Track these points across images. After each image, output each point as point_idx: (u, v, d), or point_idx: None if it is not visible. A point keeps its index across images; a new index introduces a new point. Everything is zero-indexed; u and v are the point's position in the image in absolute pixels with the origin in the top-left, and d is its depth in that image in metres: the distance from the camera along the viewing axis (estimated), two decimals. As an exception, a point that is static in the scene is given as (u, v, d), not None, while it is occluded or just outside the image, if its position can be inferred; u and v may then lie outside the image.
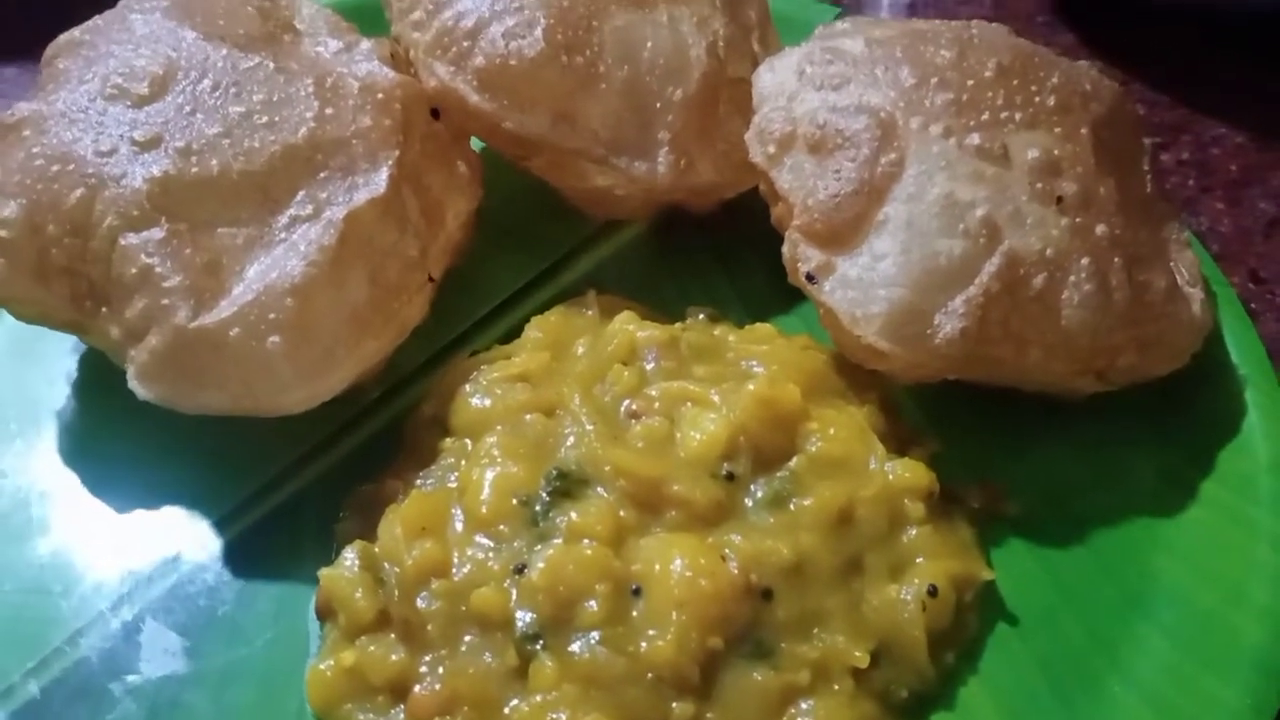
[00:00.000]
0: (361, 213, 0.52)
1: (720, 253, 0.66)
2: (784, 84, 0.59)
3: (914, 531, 0.50)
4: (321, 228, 0.51)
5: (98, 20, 0.59)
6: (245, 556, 0.52)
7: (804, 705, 0.45)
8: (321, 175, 0.53)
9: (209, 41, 0.56)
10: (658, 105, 0.60)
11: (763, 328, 0.59)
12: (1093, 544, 0.53)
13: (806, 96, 0.57)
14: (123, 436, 0.54)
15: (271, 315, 0.49)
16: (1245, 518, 0.51)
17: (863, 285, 0.52)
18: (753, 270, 0.65)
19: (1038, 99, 0.57)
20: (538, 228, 0.66)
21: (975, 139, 0.54)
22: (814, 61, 0.59)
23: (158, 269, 0.49)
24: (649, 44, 0.60)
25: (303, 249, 0.50)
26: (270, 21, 0.61)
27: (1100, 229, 0.53)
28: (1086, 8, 0.89)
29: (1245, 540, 0.51)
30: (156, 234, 0.49)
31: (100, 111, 0.52)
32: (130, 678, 0.47)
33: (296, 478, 0.55)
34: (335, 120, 0.54)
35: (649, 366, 0.55)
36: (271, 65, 0.55)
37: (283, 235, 0.51)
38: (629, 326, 0.57)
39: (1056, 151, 0.55)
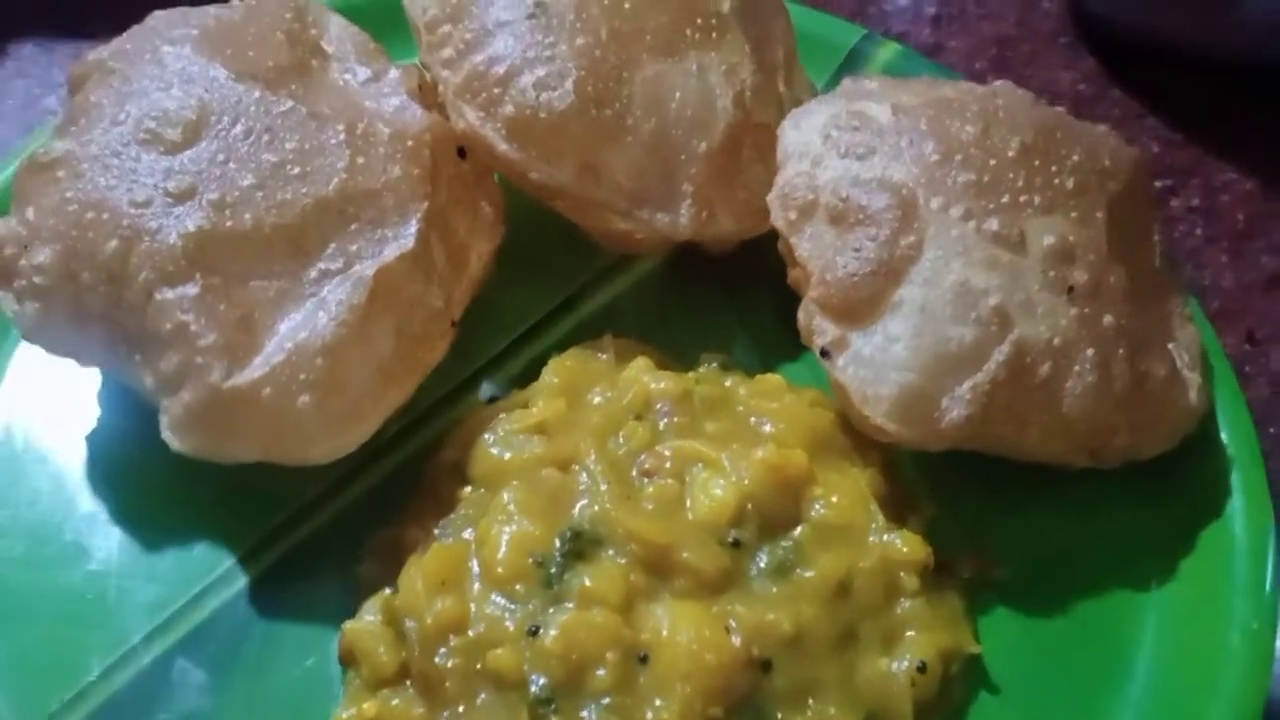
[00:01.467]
0: (391, 268, 0.54)
1: (732, 290, 0.67)
2: (809, 145, 0.60)
3: (907, 603, 0.53)
4: (351, 286, 0.52)
5: (125, 44, 0.59)
6: (269, 594, 0.54)
7: (796, 773, 0.49)
8: (352, 228, 0.54)
9: (240, 82, 0.56)
10: (682, 157, 0.61)
11: (773, 380, 0.61)
12: (1076, 613, 0.56)
13: (831, 163, 0.58)
14: (151, 467, 0.56)
15: (302, 375, 0.50)
16: (1221, 601, 0.54)
17: (875, 365, 0.54)
18: (763, 309, 0.66)
19: (1056, 180, 0.58)
20: (553, 258, 0.67)
21: (993, 224, 0.55)
22: (840, 126, 0.59)
23: (193, 327, 0.50)
24: (677, 95, 0.61)
25: (333, 307, 0.52)
26: (299, 47, 0.61)
27: (1107, 319, 0.55)
28: (1107, 37, 0.89)
29: (1218, 625, 0.53)
30: (191, 290, 0.50)
31: (134, 158, 0.53)
32: (161, 715, 0.50)
33: (317, 514, 0.57)
34: (366, 171, 0.55)
35: (662, 422, 0.57)
36: (304, 110, 0.56)
37: (313, 289, 0.53)
38: (644, 378, 0.59)
39: (1071, 238, 0.56)
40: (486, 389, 0.62)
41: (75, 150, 0.53)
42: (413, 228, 0.55)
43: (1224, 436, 0.59)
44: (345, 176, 0.54)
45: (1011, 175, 0.57)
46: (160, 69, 0.56)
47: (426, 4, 0.62)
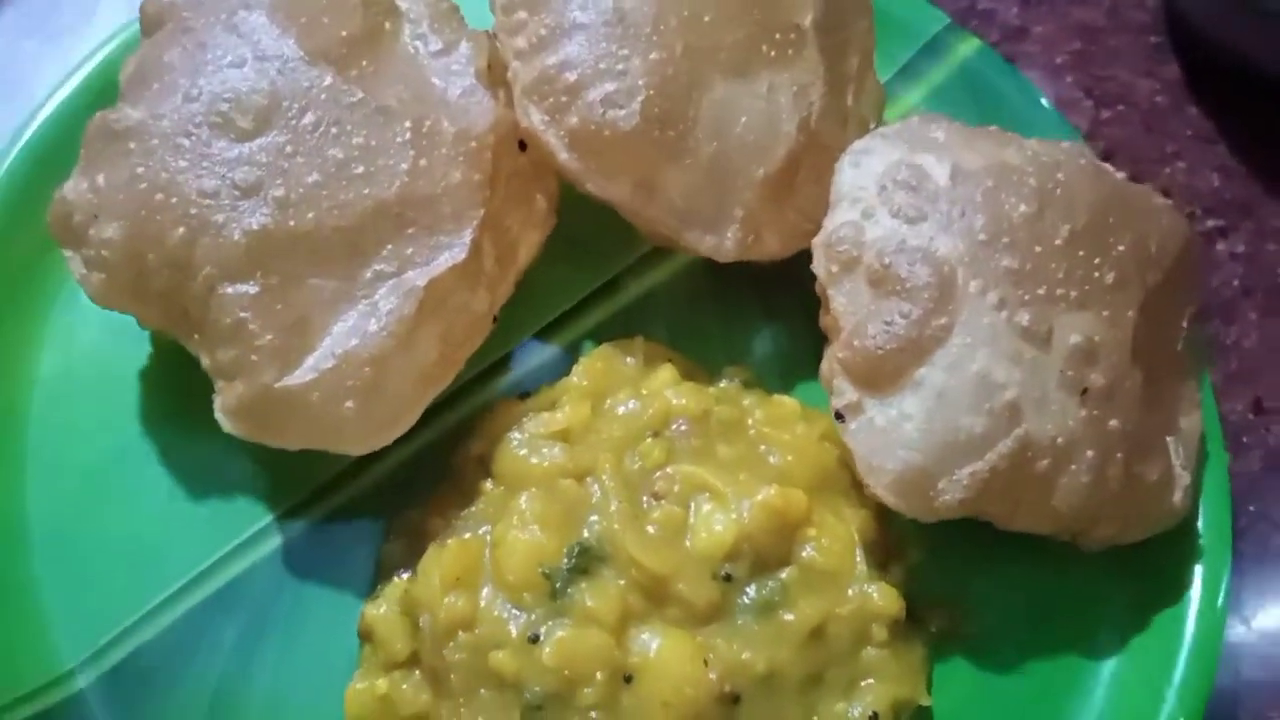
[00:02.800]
0: (441, 279, 0.55)
1: (765, 294, 0.69)
2: (863, 192, 0.60)
3: (873, 652, 0.58)
4: (402, 296, 0.54)
5: (200, -11, 0.59)
6: (300, 558, 0.59)
7: (749, 796, 0.55)
8: (409, 231, 0.56)
9: (313, 65, 0.56)
10: (739, 181, 0.61)
11: (788, 405, 0.64)
12: (1030, 674, 0.61)
13: (881, 220, 0.59)
14: (199, 424, 0.59)
15: (349, 383, 0.53)
16: (1158, 691, 0.59)
17: (884, 438, 0.56)
18: (794, 317, 0.67)
19: (1097, 274, 0.58)
20: (596, 241, 0.68)
21: (1025, 317, 0.56)
22: (897, 180, 0.59)
23: (250, 325, 0.52)
24: (743, 120, 0.61)
25: (384, 316, 0.54)
26: (373, 8, 0.60)
27: (1114, 423, 0.57)
28: (1192, 43, 0.85)
29: (1152, 715, 0.59)
30: (251, 289, 0.53)
31: (204, 142, 0.54)
32: (192, 666, 0.56)
33: (350, 485, 0.61)
34: (427, 174, 0.56)
35: (678, 441, 0.60)
36: (373, 104, 0.56)
37: (365, 291, 0.55)
38: (666, 393, 0.62)
39: (1097, 338, 0.57)
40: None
41: (148, 123, 0.54)
42: (467, 238, 0.56)
43: (1200, 525, 0.63)
44: (407, 180, 0.55)
45: (1054, 265, 0.58)
46: (234, 37, 0.56)
47: (506, -21, 0.61)
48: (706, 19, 0.60)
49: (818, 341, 0.61)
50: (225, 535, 0.59)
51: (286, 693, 0.56)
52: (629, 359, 0.64)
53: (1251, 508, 0.70)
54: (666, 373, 0.63)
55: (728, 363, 0.67)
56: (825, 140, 0.64)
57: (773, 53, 0.61)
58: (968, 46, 0.76)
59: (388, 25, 0.61)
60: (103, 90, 0.64)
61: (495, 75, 0.62)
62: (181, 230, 0.53)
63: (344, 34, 0.58)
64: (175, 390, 0.61)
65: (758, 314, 0.69)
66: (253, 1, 0.57)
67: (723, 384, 0.65)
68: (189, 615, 0.57)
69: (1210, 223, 0.79)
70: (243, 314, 0.52)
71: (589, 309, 0.68)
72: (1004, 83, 0.75)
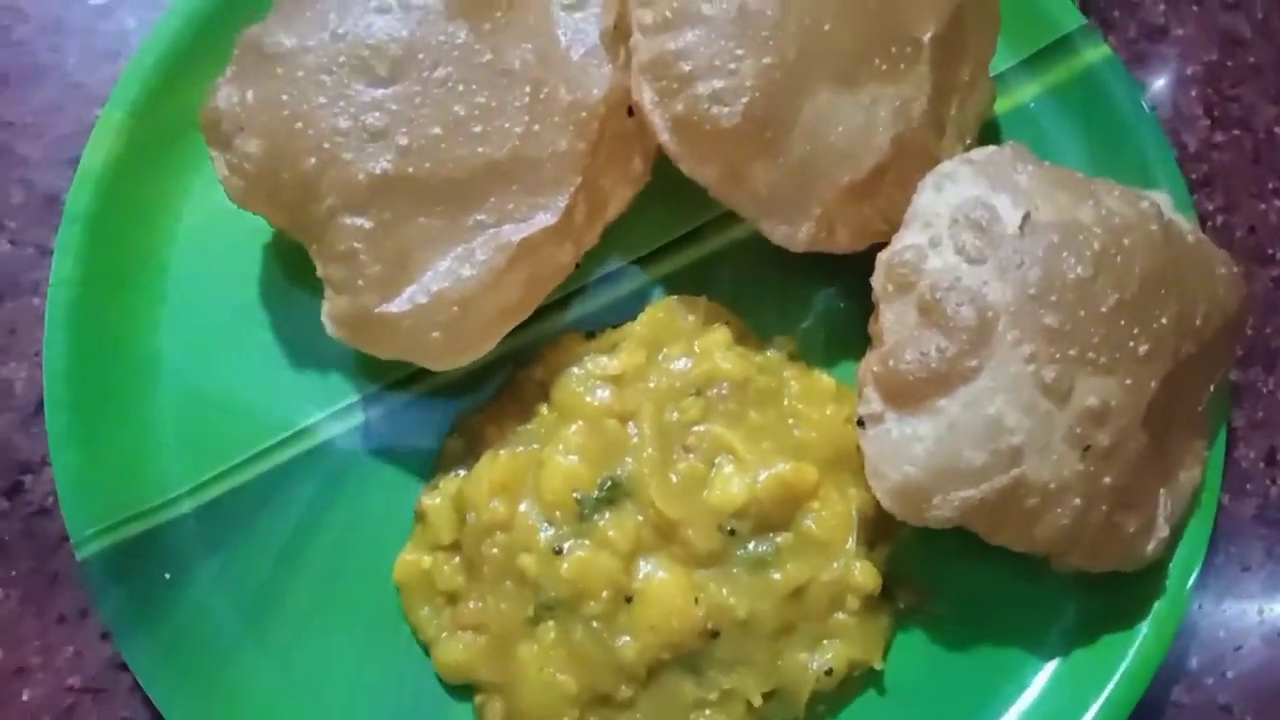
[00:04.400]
0: (534, 238, 0.62)
1: (831, 273, 0.73)
2: (937, 218, 0.64)
3: (843, 618, 0.67)
4: (496, 249, 0.61)
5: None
6: (375, 437, 0.69)
7: (707, 713, 0.66)
8: (513, 188, 0.62)
9: (451, 19, 0.60)
10: (823, 183, 0.65)
11: (825, 384, 0.70)
12: (977, 657, 0.69)
13: (944, 251, 0.63)
14: (310, 298, 0.68)
15: (438, 317, 0.61)
16: (1078, 709, 0.67)
17: (894, 449, 0.63)
18: (853, 299, 0.72)
19: (1131, 344, 0.62)
20: (682, 193, 0.70)
21: (1050, 374, 0.61)
22: (970, 217, 0.63)
23: (361, 255, 0.60)
24: (839, 128, 0.64)
25: (478, 262, 0.61)
26: (522, -61, 0.63)
27: (1107, 480, 0.63)
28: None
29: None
30: (366, 223, 0.60)
31: (343, 82, 0.59)
32: (273, 513, 0.67)
33: (426, 379, 0.70)
34: (537, 139, 0.61)
35: (718, 399, 0.68)
36: (500, 66, 0.60)
37: (466, 237, 0.61)
38: (716, 355, 0.68)
39: (1113, 403, 0.62)
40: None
41: (296, 53, 0.60)
42: (562, 203, 0.62)
43: (1170, 567, 0.69)
44: (518, 144, 0.61)
45: (1092, 330, 0.62)
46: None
47: (646, -51, 0.63)
48: (826, 27, 0.62)
49: (868, 330, 0.67)
50: (318, 404, 0.69)
51: (346, 550, 0.67)
52: (690, 316, 0.71)
53: (1231, 548, 0.76)
54: (720, 334, 0.70)
55: (781, 330, 0.73)
56: (918, 147, 0.66)
57: (884, 66, 0.64)
58: (1096, 53, 0.76)
59: (532, -32, 0.64)
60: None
61: (621, 33, 0.65)
62: (313, 160, 0.59)
63: (488, -24, 0.62)
64: (294, 269, 0.69)
65: (820, 288, 0.74)
66: (406, -67, 0.61)
67: (769, 353, 0.71)
68: (278, 468, 0.68)
69: (1278, 271, 0.80)
70: (356, 244, 0.60)
71: (666, 256, 0.74)
72: (1121, 98, 0.76)
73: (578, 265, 0.67)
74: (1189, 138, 0.82)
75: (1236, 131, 0.82)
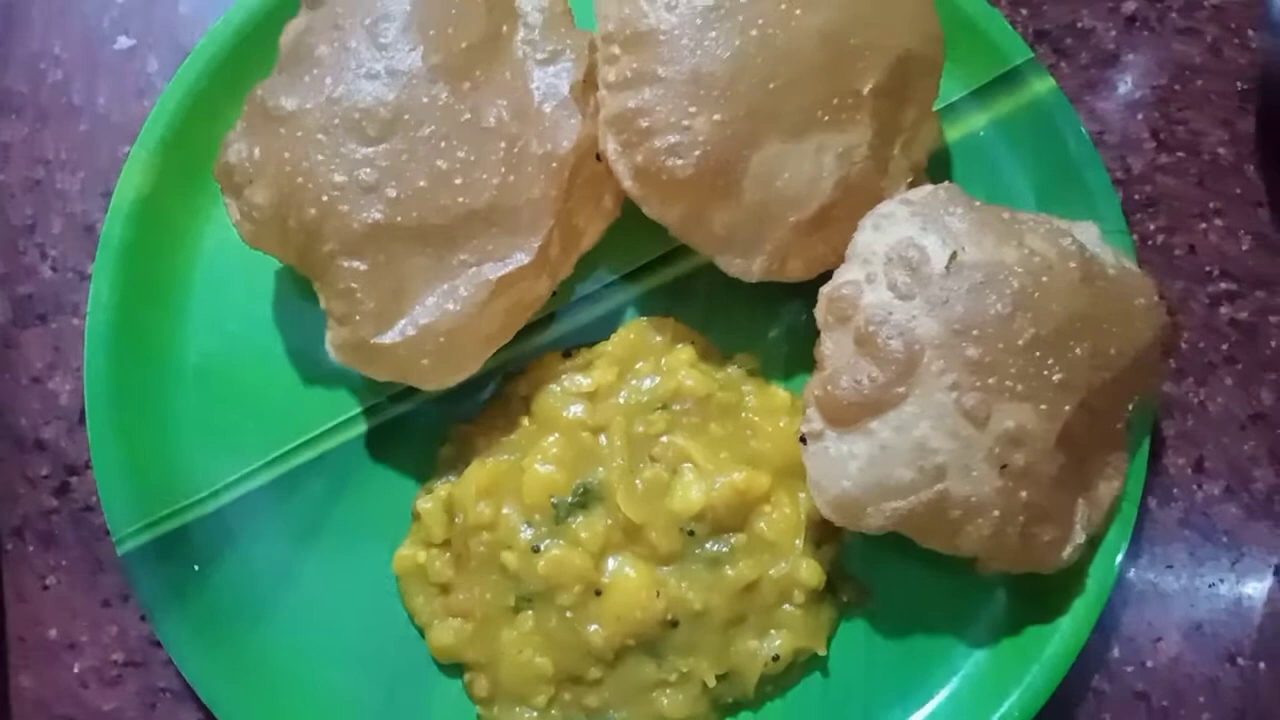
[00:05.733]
0: (512, 275, 0.69)
1: (791, 296, 0.78)
2: (874, 256, 0.70)
3: (790, 609, 0.75)
4: (477, 286, 0.69)
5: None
6: (378, 443, 0.77)
7: (667, 692, 0.75)
8: (492, 231, 0.69)
9: (434, 81, 0.67)
10: (775, 223, 0.72)
11: (781, 398, 0.78)
12: (912, 645, 0.77)
13: (879, 288, 0.70)
14: (319, 320, 0.75)
15: (427, 347, 0.69)
16: (1002, 693, 0.75)
17: (832, 466, 0.70)
18: (810, 319, 0.77)
19: (1046, 373, 0.69)
20: (653, 224, 0.77)
21: (970, 401, 0.68)
22: (903, 256, 0.69)
23: (358, 293, 0.68)
24: (787, 174, 0.70)
25: (461, 298, 0.68)
26: (496, 11, 0.71)
27: (1023, 494, 0.70)
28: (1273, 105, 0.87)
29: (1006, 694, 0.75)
30: (362, 266, 0.67)
31: (339, 141, 0.67)
32: (289, 510, 0.76)
33: (424, 393, 0.77)
34: (513, 188, 0.68)
35: (682, 412, 0.76)
36: (478, 125, 0.68)
37: (451, 274, 0.69)
38: (681, 373, 0.76)
39: (1029, 427, 0.69)
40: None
41: (297, 115, 0.67)
42: (535, 245, 0.69)
43: (1091, 568, 0.76)
44: (496, 193, 0.68)
45: (1010, 362, 0.68)
46: (372, 48, 0.67)
47: (610, 14, 0.70)
48: (772, 86, 0.68)
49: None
50: (327, 413, 0.78)
51: (352, 544, 0.76)
52: (658, 336, 0.78)
53: (1156, 549, 0.83)
54: (685, 353, 0.77)
55: (749, 343, 0.80)
56: (862, 187, 0.73)
57: (827, 118, 0.70)
58: (1042, 85, 0.82)
59: (504, 29, 0.71)
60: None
61: (590, 84, 0.72)
62: (314, 211, 0.67)
63: (464, 45, 0.69)
64: (305, 291, 0.77)
65: (785, 303, 0.80)
66: (393, 10, 0.68)
67: (730, 370, 0.79)
68: (292, 471, 0.77)
69: (1223, 285, 0.86)
70: (353, 284, 0.68)
71: (639, 279, 0.81)
72: (1065, 128, 0.81)
73: (555, 292, 0.75)
74: (1135, 160, 0.87)
75: (1181, 154, 0.87)
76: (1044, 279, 0.70)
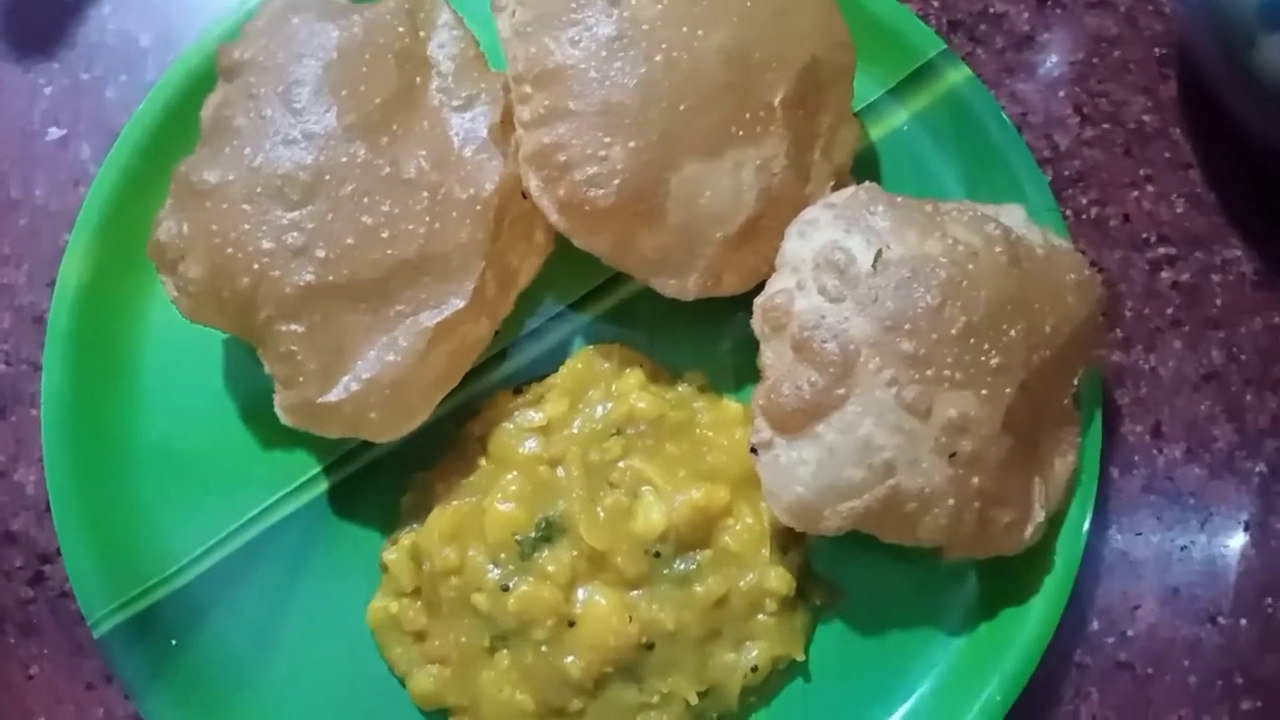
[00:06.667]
0: (449, 320, 0.70)
1: (733, 309, 0.78)
2: (802, 263, 0.71)
3: (763, 619, 0.76)
4: (415, 335, 0.69)
5: (265, 48, 0.70)
6: (341, 501, 0.78)
7: (651, 714, 0.75)
8: (424, 280, 0.70)
9: (350, 140, 0.69)
10: (702, 241, 0.73)
11: (733, 410, 0.79)
12: (888, 641, 0.77)
13: (810, 293, 0.71)
14: (261, 400, 0.76)
15: (372, 399, 0.70)
16: (983, 679, 0.76)
17: (785, 474, 0.71)
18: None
19: (983, 358, 0.70)
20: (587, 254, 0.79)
21: (910, 394, 0.69)
22: (830, 259, 0.70)
23: (299, 355, 0.69)
24: (707, 194, 0.71)
25: (400, 349, 0.69)
26: (407, 65, 0.72)
27: (975, 480, 0.70)
28: (1193, 62, 0.88)
29: (983, 685, 0.76)
30: (299, 328, 0.68)
31: (263, 209, 0.68)
32: (259, 573, 0.77)
33: (381, 446, 0.78)
34: (440, 236, 0.69)
35: (637, 436, 0.76)
36: (399, 177, 0.69)
37: (389, 326, 0.70)
38: (631, 397, 0.77)
39: (972, 413, 0.70)
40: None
41: (221, 188, 0.68)
42: (469, 288, 0.70)
43: (1057, 544, 0.77)
44: (423, 242, 0.69)
45: (945, 352, 0.69)
46: (288, 115, 0.69)
47: (518, 55, 0.71)
48: (682, 108, 0.69)
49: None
50: (288, 475, 0.79)
51: (325, 602, 0.77)
52: (606, 363, 0.79)
53: (1124, 518, 0.83)
54: (634, 377, 0.78)
55: (697, 360, 0.81)
56: (784, 196, 0.74)
57: (741, 133, 0.71)
58: (958, 74, 0.83)
59: (418, 80, 0.72)
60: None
61: (509, 124, 0.73)
62: (246, 280, 0.68)
63: (378, 101, 0.70)
64: (253, 360, 0.78)
65: (725, 322, 0.81)
66: (305, 76, 0.69)
67: (681, 388, 0.80)
68: (259, 536, 0.77)
69: (1161, 250, 0.87)
70: (293, 347, 0.69)
71: (581, 308, 0.82)
72: (985, 115, 0.82)
73: (497, 331, 0.76)
74: (1061, 137, 0.88)
75: (1107, 126, 0.88)
76: (970, 266, 0.71)
